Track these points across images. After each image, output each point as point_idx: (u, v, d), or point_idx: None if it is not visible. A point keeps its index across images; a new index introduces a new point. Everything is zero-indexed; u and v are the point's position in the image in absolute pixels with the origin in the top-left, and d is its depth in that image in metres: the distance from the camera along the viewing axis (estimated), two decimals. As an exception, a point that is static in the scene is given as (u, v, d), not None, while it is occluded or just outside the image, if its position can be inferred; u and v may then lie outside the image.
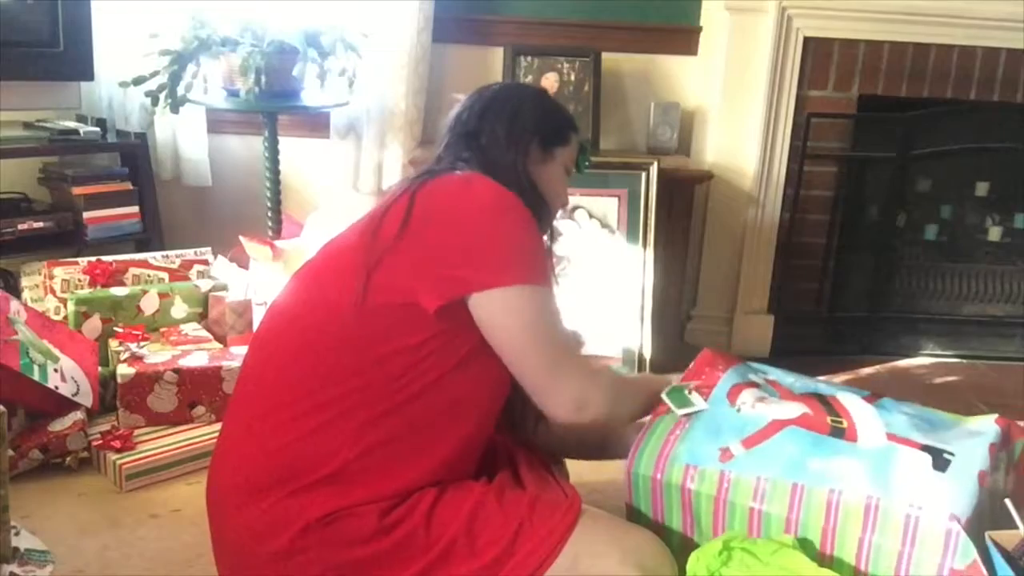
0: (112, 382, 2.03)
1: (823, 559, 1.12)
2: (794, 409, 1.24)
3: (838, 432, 1.19)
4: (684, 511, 1.23)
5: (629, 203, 2.48)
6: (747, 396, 1.28)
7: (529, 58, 2.73)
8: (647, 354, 2.43)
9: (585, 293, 2.46)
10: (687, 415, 1.28)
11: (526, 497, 1.15)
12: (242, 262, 2.46)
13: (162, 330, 2.25)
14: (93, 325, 2.19)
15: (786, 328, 2.90)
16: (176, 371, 2.01)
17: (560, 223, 2.42)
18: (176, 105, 2.40)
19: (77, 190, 2.49)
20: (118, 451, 1.88)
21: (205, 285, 2.39)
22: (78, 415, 1.91)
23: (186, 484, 1.87)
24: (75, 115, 2.61)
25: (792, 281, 2.90)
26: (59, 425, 1.88)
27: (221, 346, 2.21)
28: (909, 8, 2.62)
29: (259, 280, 2.36)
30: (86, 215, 2.49)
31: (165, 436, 1.97)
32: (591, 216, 2.48)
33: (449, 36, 2.73)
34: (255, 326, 2.18)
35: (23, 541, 1.53)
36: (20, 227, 2.38)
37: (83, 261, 2.33)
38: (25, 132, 2.52)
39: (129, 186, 2.58)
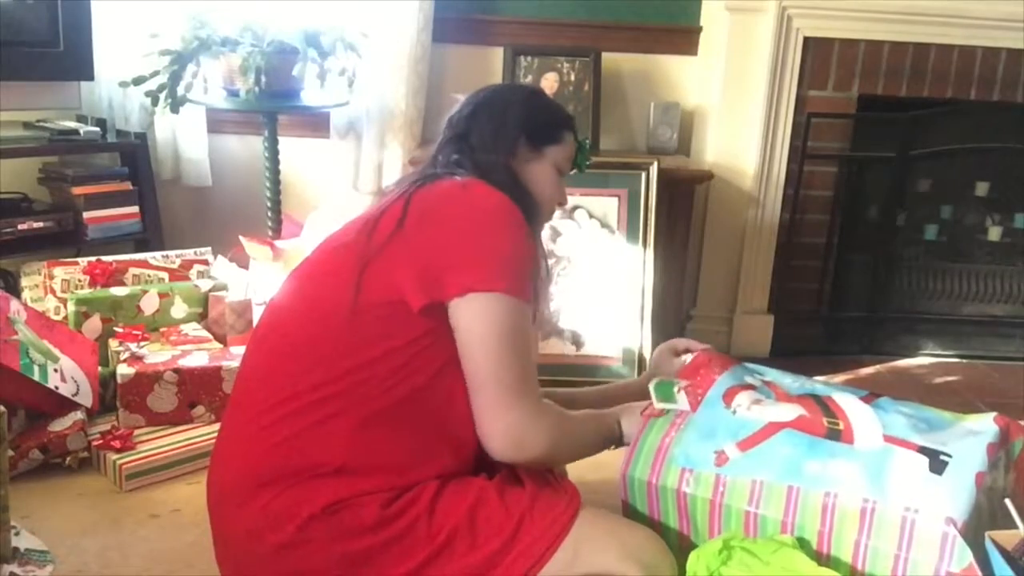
0: (112, 382, 2.03)
1: (819, 562, 1.12)
2: (790, 411, 1.23)
3: (834, 434, 1.19)
4: (680, 514, 1.23)
5: (629, 203, 2.48)
6: (743, 398, 1.27)
7: (529, 58, 2.73)
8: (647, 354, 2.43)
9: (585, 293, 2.46)
10: (667, 411, 1.28)
11: (527, 492, 1.16)
12: (242, 262, 2.46)
13: (162, 330, 2.26)
14: (93, 325, 2.20)
15: (786, 328, 2.90)
16: (176, 371, 2.01)
17: (560, 223, 2.45)
18: (176, 105, 2.40)
19: (77, 190, 2.49)
20: (118, 451, 1.88)
21: (205, 285, 2.39)
22: (78, 415, 1.91)
23: (186, 484, 1.87)
24: (75, 115, 2.61)
25: (792, 281, 2.90)
26: (59, 425, 1.88)
27: (221, 346, 2.21)
28: (909, 8, 2.62)
29: (259, 280, 2.36)
30: (86, 215, 2.49)
31: (165, 436, 1.97)
32: (591, 216, 2.48)
33: (449, 36, 2.73)
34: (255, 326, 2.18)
35: (23, 541, 1.53)
36: (20, 227, 2.38)
37: (83, 261, 2.34)
38: (25, 132, 2.52)
39: (129, 186, 2.59)
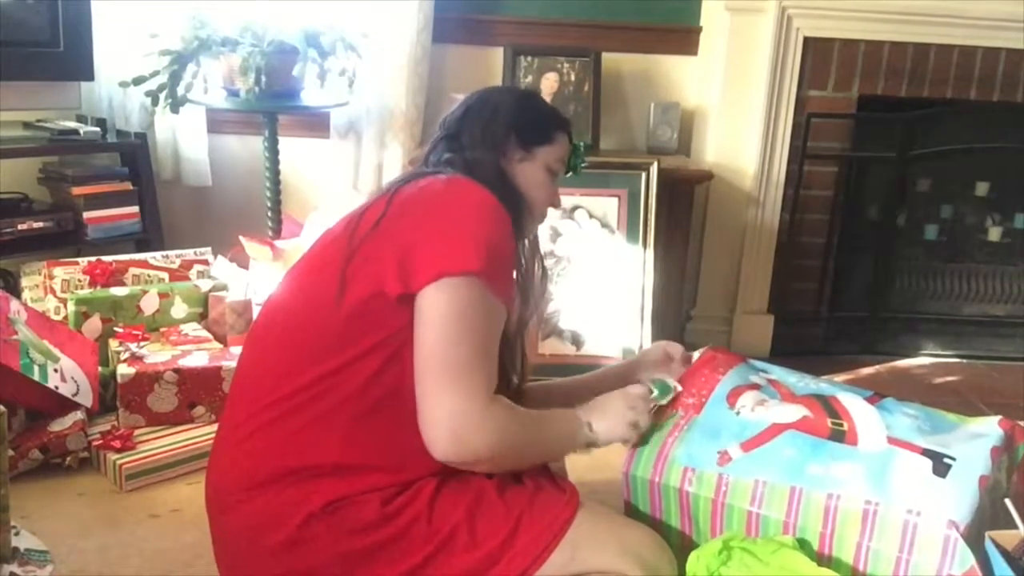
0: (112, 382, 2.03)
1: (821, 563, 1.12)
2: (794, 412, 1.23)
3: (838, 435, 1.19)
4: (682, 513, 1.23)
5: (629, 203, 2.48)
6: (747, 399, 1.27)
7: (529, 58, 2.73)
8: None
9: (585, 293, 2.46)
10: (659, 407, 1.28)
11: (526, 490, 1.16)
12: (242, 262, 2.46)
13: (162, 330, 2.25)
14: (93, 325, 2.19)
15: (786, 328, 2.90)
16: (176, 371, 2.01)
17: (560, 223, 2.45)
18: (176, 105, 2.40)
19: (77, 190, 2.49)
20: (118, 451, 1.88)
21: (205, 285, 2.39)
22: (78, 415, 1.91)
23: (186, 484, 1.87)
24: (75, 115, 2.61)
25: (792, 281, 2.89)
26: (59, 425, 1.88)
27: (221, 346, 2.21)
28: (909, 8, 2.62)
29: (259, 280, 2.36)
30: (86, 215, 2.49)
31: (165, 436, 1.97)
32: (591, 216, 2.48)
33: (449, 36, 2.73)
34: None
35: (23, 541, 1.52)
36: (20, 227, 2.38)
37: (83, 261, 2.33)
38: (25, 132, 2.52)
39: (129, 186, 2.59)
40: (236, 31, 2.36)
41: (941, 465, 1.11)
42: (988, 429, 1.18)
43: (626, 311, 2.45)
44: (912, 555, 1.08)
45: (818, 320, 2.98)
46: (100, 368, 2.10)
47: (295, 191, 2.82)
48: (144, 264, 2.40)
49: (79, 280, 2.30)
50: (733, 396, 1.28)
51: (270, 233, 2.61)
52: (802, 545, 1.13)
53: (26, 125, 2.54)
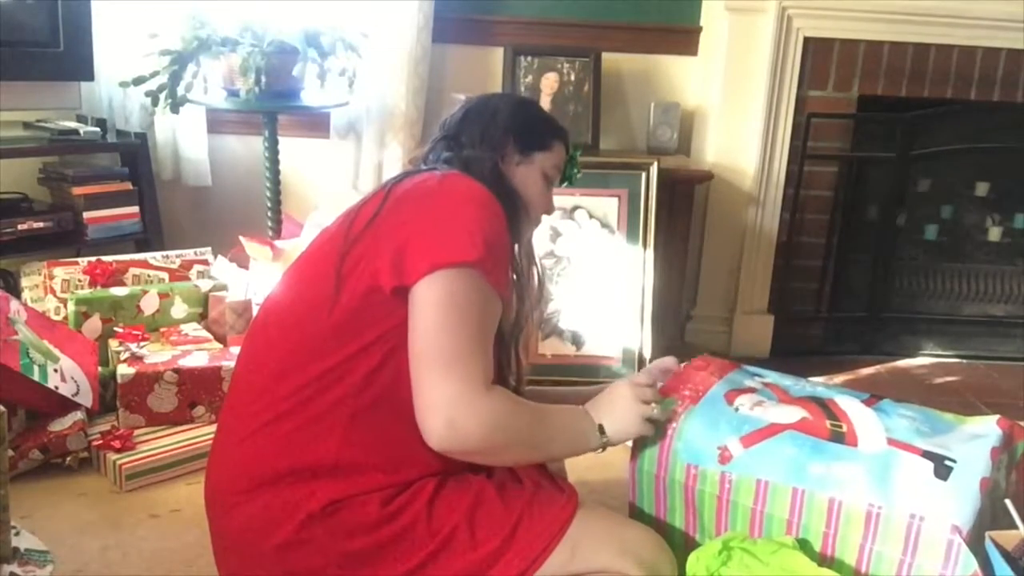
0: (112, 382, 2.03)
1: (823, 564, 1.12)
2: (793, 413, 1.23)
3: (838, 437, 1.19)
4: (687, 509, 1.23)
5: (629, 203, 2.48)
6: (744, 400, 1.27)
7: (529, 58, 2.73)
8: (647, 354, 2.43)
9: (585, 293, 2.46)
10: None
11: (526, 490, 1.16)
12: (242, 262, 2.46)
13: (162, 330, 2.25)
14: (93, 325, 2.19)
15: (786, 328, 2.90)
16: (176, 371, 2.01)
17: (560, 223, 2.45)
18: (176, 105, 2.40)
19: (77, 190, 2.49)
20: (118, 451, 1.88)
21: (205, 285, 2.39)
22: (78, 415, 1.91)
23: (186, 484, 1.87)
24: (75, 115, 2.61)
25: (792, 281, 2.90)
26: (59, 425, 1.88)
27: (221, 346, 2.21)
28: (909, 8, 2.62)
29: (259, 280, 2.36)
30: (86, 215, 2.49)
31: (165, 436, 1.97)
32: (591, 216, 2.48)
33: (449, 36, 2.73)
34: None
35: (23, 541, 1.52)
36: (20, 227, 2.38)
37: (83, 261, 2.33)
38: (25, 132, 2.52)
39: (129, 186, 2.59)
40: (236, 31, 2.36)
41: (942, 468, 1.11)
42: (987, 429, 1.18)
43: (626, 311, 2.45)
44: (915, 558, 1.08)
45: (818, 320, 2.98)
46: (100, 368, 2.10)
47: (295, 191, 2.82)
48: (144, 264, 2.40)
49: (79, 280, 2.30)
50: (730, 396, 1.28)
51: (270, 233, 2.61)
52: (804, 545, 1.13)
53: (26, 125, 2.54)
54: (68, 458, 1.87)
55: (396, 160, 2.72)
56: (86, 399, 1.96)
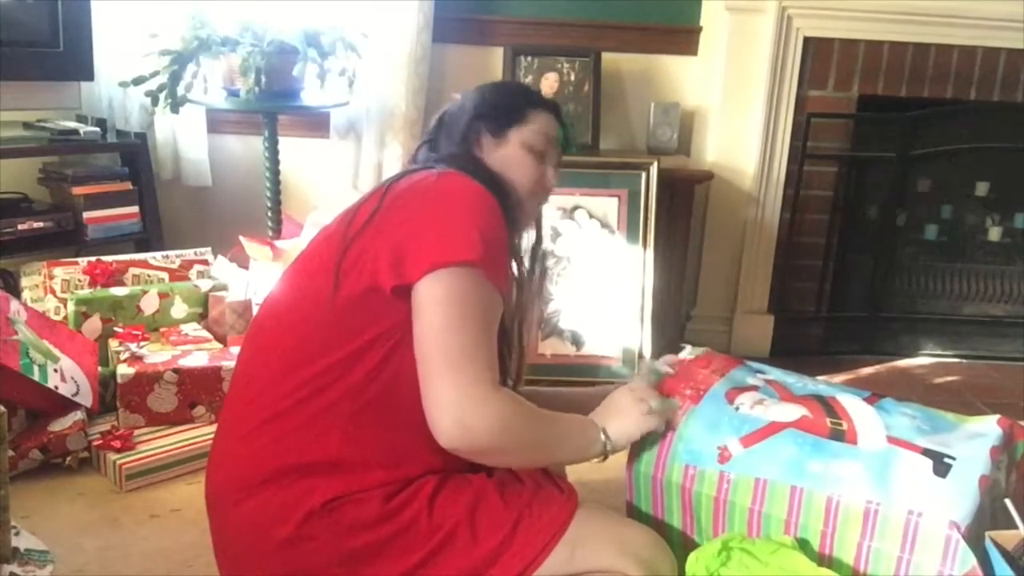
0: (112, 382, 2.03)
1: (821, 563, 1.12)
2: (793, 411, 1.23)
3: (838, 435, 1.19)
4: (684, 510, 1.23)
5: (629, 203, 2.48)
6: (745, 398, 1.27)
7: (529, 58, 2.73)
8: (647, 354, 2.43)
9: (585, 293, 2.46)
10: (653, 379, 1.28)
11: (526, 489, 1.16)
12: (242, 262, 2.46)
13: (162, 330, 2.25)
14: (93, 325, 2.19)
15: (786, 328, 2.90)
16: (176, 371, 2.01)
17: (560, 223, 2.45)
18: (176, 105, 2.40)
19: (77, 190, 2.49)
20: (118, 451, 1.88)
21: (205, 285, 2.39)
22: (78, 415, 1.91)
23: (186, 484, 1.87)
24: (75, 115, 2.61)
25: (792, 281, 2.90)
26: (59, 425, 1.88)
27: (221, 346, 2.21)
28: (909, 8, 2.62)
29: (259, 280, 2.36)
30: (86, 215, 2.49)
31: (165, 436, 1.97)
32: (591, 216, 2.48)
33: (449, 36, 2.73)
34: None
35: (23, 541, 1.52)
36: (20, 227, 2.38)
37: (83, 261, 2.33)
38: (25, 132, 2.52)
39: (129, 186, 2.58)
40: (236, 31, 2.36)
41: (941, 465, 1.11)
42: (987, 428, 1.18)
43: (626, 311, 2.45)
44: (913, 555, 1.08)
45: (818, 320, 2.98)
46: (100, 368, 2.10)
47: (295, 191, 2.82)
48: (144, 264, 2.40)
49: (79, 280, 2.30)
50: (731, 395, 1.28)
51: (270, 233, 2.61)
52: (803, 545, 1.13)
53: (26, 125, 2.54)
54: (68, 458, 1.87)
55: (396, 160, 2.72)
56: (86, 399, 1.96)
